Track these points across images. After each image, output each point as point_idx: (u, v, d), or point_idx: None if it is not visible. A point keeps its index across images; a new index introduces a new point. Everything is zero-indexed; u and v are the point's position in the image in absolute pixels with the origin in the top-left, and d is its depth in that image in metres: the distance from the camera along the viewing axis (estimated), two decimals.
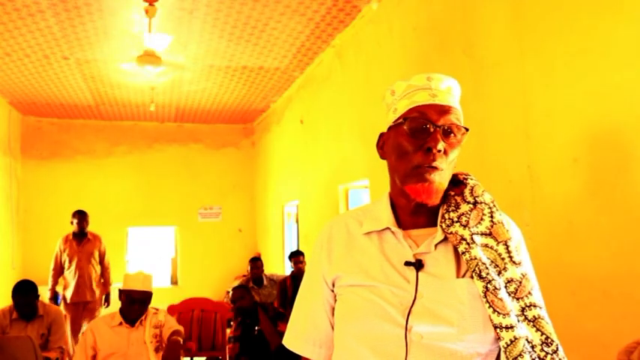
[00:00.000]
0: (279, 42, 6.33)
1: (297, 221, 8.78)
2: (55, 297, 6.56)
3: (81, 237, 6.64)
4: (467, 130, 1.22)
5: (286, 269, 8.63)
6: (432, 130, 1.18)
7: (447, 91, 1.24)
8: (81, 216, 6.62)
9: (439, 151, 1.17)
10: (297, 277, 6.47)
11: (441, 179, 1.19)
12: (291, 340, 1.34)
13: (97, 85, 8.05)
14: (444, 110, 1.21)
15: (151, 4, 5.20)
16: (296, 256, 6.58)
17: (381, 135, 1.32)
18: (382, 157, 1.32)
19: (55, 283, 6.62)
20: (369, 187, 5.51)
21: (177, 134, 10.96)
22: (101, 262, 6.76)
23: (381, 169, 5.11)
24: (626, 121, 2.56)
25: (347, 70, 6.18)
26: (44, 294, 4.58)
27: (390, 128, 1.28)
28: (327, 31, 6.03)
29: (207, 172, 10.98)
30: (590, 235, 2.74)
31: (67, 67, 7.17)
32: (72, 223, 6.62)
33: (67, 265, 6.58)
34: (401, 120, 1.23)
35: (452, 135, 1.20)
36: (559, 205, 2.94)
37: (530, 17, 3.18)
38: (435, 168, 1.17)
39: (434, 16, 4.31)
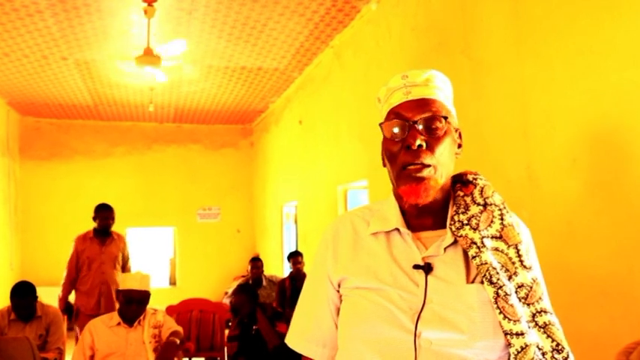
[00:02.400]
0: (277, 42, 6.33)
1: (295, 222, 8.77)
2: (68, 309, 5.35)
3: (104, 236, 5.52)
4: (446, 118, 1.18)
5: (285, 270, 8.62)
6: (407, 127, 1.17)
7: (424, 83, 1.21)
8: (107, 211, 5.50)
9: (420, 146, 1.14)
10: (295, 277, 6.46)
11: (431, 175, 1.15)
12: (293, 339, 1.31)
13: (95, 85, 8.05)
14: (419, 104, 1.18)
15: (149, 5, 5.20)
16: (295, 257, 6.57)
17: (382, 142, 1.32)
18: (383, 164, 1.30)
19: (68, 292, 5.42)
20: (368, 187, 5.51)
21: (176, 135, 10.96)
22: (124, 266, 5.66)
23: (381, 169, 5.10)
24: (625, 122, 2.55)
25: (346, 70, 6.18)
26: (42, 295, 4.50)
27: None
28: (325, 31, 6.03)
29: (205, 173, 10.98)
30: (589, 236, 2.74)
31: (65, 68, 7.16)
32: (94, 219, 5.49)
33: (84, 269, 5.40)
34: (382, 125, 1.23)
35: (434, 128, 1.17)
36: (558, 205, 2.94)
37: (528, 18, 3.18)
38: (421, 165, 1.15)
39: (433, 17, 4.31)
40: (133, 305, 3.53)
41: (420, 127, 1.16)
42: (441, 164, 1.17)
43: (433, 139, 1.17)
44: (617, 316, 2.57)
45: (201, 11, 5.44)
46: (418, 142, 1.14)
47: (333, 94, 6.61)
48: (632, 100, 2.51)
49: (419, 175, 1.14)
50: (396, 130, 1.18)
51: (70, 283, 5.40)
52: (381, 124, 1.23)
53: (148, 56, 5.79)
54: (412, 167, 1.15)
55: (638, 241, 2.47)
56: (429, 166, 1.15)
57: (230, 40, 6.23)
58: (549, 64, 3.01)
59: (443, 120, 1.18)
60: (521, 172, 3.21)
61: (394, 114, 1.20)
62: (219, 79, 7.85)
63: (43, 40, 6.10)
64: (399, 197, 1.23)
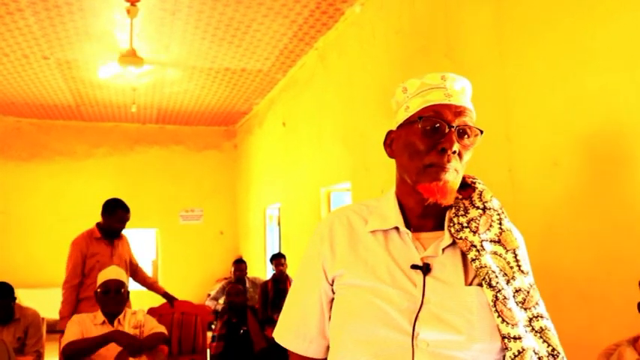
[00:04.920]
0: (261, 44, 6.32)
1: (278, 224, 8.76)
2: None
3: (114, 236, 4.76)
4: (481, 132, 1.20)
5: (267, 272, 8.60)
6: (446, 130, 1.16)
7: (462, 91, 1.22)
8: (126, 212, 4.80)
9: (454, 152, 1.14)
10: (278, 279, 6.45)
11: (454, 179, 1.16)
12: (280, 334, 1.30)
13: (77, 85, 7.97)
14: (459, 111, 1.18)
15: (132, 5, 5.17)
16: (277, 259, 6.55)
17: (389, 133, 1.28)
18: (390, 155, 1.28)
19: (74, 304, 4.42)
20: (351, 189, 5.51)
21: (159, 136, 10.88)
22: (135, 271, 5.03)
23: (363, 172, 5.07)
24: (606, 125, 2.58)
25: (329, 72, 6.18)
26: (21, 297, 4.37)
27: (400, 126, 1.24)
28: (309, 33, 6.03)
29: (188, 175, 10.91)
30: (570, 239, 2.76)
31: (46, 67, 7.08)
32: (104, 215, 4.71)
33: (92, 275, 4.37)
34: (415, 118, 1.19)
35: (466, 137, 1.18)
36: (539, 208, 2.96)
37: (511, 21, 3.20)
38: (449, 168, 1.15)
39: (416, 20, 4.32)
40: (111, 294, 3.52)
41: (457, 133, 1.17)
42: (460, 173, 1.19)
43: (464, 147, 1.18)
44: (596, 318, 2.59)
45: (184, 12, 5.41)
46: (455, 147, 1.14)
47: (316, 96, 6.61)
48: (612, 104, 2.54)
49: (445, 176, 1.14)
50: (434, 127, 1.16)
51: (77, 296, 4.46)
52: (413, 117, 1.19)
53: (131, 56, 5.76)
54: (440, 168, 1.14)
55: (616, 244, 2.50)
56: (454, 170, 1.16)
57: (214, 41, 6.21)
58: (531, 67, 3.04)
59: (479, 133, 1.20)
60: (503, 176, 3.23)
61: (433, 112, 1.17)
62: (203, 80, 7.82)
63: (24, 39, 6.03)
64: (410, 194, 1.21)
